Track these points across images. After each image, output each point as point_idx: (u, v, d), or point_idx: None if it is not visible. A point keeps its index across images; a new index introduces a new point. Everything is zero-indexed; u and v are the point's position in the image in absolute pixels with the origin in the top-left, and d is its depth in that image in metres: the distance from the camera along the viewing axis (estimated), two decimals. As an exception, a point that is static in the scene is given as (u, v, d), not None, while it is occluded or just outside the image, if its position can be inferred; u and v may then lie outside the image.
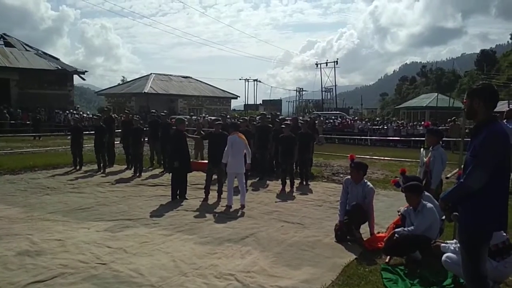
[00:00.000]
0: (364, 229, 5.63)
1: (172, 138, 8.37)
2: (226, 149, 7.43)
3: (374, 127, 26.61)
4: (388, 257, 4.78)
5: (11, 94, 29.32)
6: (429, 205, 4.70)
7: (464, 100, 3.17)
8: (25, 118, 25.84)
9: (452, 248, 3.94)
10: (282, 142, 9.29)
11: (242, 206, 7.36)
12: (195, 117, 29.79)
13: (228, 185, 7.50)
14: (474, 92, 3.04)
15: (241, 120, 10.57)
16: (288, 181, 9.18)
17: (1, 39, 33.26)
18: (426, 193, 5.15)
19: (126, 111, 14.47)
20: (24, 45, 33.09)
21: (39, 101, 28.55)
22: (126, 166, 11.93)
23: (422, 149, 6.38)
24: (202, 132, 12.24)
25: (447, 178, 5.41)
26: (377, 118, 33.26)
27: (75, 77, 33.70)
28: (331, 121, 28.94)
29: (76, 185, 9.36)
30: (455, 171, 5.39)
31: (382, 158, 15.36)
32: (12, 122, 25.40)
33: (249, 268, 4.50)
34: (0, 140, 19.82)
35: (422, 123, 22.36)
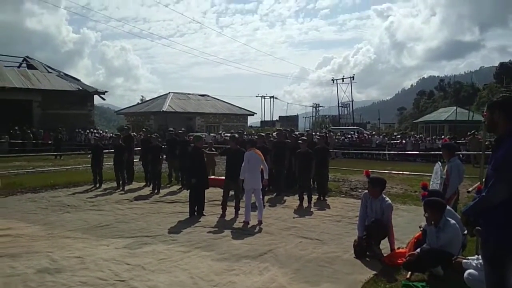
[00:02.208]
0: (384, 245, 5.54)
1: (190, 155, 8.43)
2: (243, 165, 7.45)
3: (392, 141, 26.34)
4: (409, 272, 4.68)
5: (33, 114, 30.02)
6: (452, 221, 4.61)
7: (484, 113, 3.13)
8: (46, 138, 26.37)
9: (474, 264, 3.84)
10: (299, 157, 9.28)
11: (260, 222, 7.33)
12: (209, 134, 30.05)
13: (246, 201, 7.49)
14: (495, 104, 3.00)
15: (257, 137, 10.59)
16: (305, 197, 9.12)
17: (24, 62, 34.25)
18: (448, 207, 5.06)
19: (144, 129, 14.67)
20: (46, 67, 33.99)
21: (60, 121, 29.14)
22: (144, 183, 12.03)
23: (438, 162, 6.36)
24: (213, 149, 12.33)
25: (468, 192, 5.32)
26: (395, 133, 32.87)
27: (96, 97, 34.40)
28: (349, 136, 28.73)
29: (96, 202, 9.47)
30: (476, 185, 5.28)
31: (401, 172, 15.15)
32: (34, 142, 25.95)
33: (267, 285, 4.46)
34: (23, 159, 20.27)
35: (443, 137, 22.01)
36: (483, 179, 3.29)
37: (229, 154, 8.17)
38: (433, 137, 26.48)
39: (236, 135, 10.33)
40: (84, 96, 32.70)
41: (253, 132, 34.72)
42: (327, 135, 11.10)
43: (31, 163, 18.41)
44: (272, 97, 62.12)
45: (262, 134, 12.01)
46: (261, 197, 7.74)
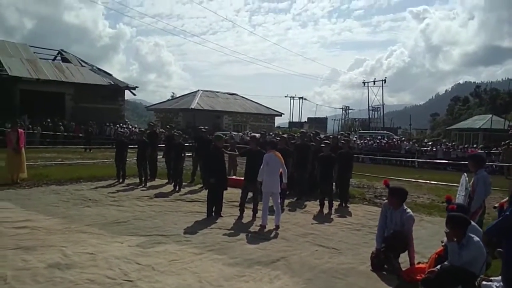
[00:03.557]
0: (404, 258, 5.29)
1: (210, 154, 8.36)
2: (261, 167, 7.32)
3: (422, 148, 25.62)
4: (428, 290, 4.43)
5: (66, 107, 30.81)
6: (476, 238, 4.31)
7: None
8: (77, 131, 27.01)
9: (495, 287, 3.58)
10: (321, 161, 9.06)
11: (277, 227, 7.18)
12: (238, 133, 30.07)
13: (263, 204, 7.36)
14: None
15: (278, 138, 10.42)
16: (326, 202, 8.90)
17: (59, 55, 35.21)
18: (473, 222, 4.78)
19: (168, 126, 14.74)
20: (80, 61, 34.82)
21: (92, 115, 29.81)
22: (167, 181, 12.07)
23: (464, 174, 6.06)
24: (235, 149, 12.24)
25: (494, 208, 5.02)
26: (425, 140, 32.00)
27: (128, 92, 35.05)
28: (377, 141, 28.15)
29: (117, 198, 9.54)
30: (505, 199, 4.97)
31: (429, 181, 14.68)
32: (65, 134, 26.61)
33: (276, 295, 4.31)
34: (53, 151, 20.80)
35: (471, 147, 21.23)
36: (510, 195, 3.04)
37: (249, 155, 8.05)
38: (466, 146, 25.64)
39: (257, 135, 10.19)
40: (115, 90, 33.31)
41: (280, 133, 34.64)
42: (343, 140, 10.81)
43: (61, 155, 18.85)
44: (301, 98, 61.64)
45: (284, 135, 11.83)
46: (279, 201, 7.58)
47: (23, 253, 5.23)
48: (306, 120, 63.76)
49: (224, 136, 10.17)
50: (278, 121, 56.83)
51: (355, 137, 30.99)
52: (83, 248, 5.58)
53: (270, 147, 7.69)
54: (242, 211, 7.85)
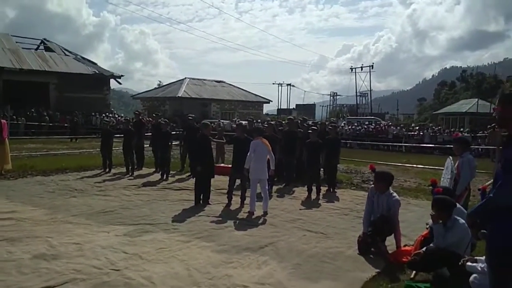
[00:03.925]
0: (390, 241, 5.33)
1: (197, 142, 8.30)
2: (248, 154, 7.29)
3: (409, 133, 25.82)
4: (414, 272, 4.48)
5: (50, 97, 30.38)
6: (461, 220, 4.36)
7: (495, 107, 2.89)
8: (62, 121, 26.67)
9: (479, 268, 3.62)
10: (308, 147, 9.07)
11: (265, 213, 7.19)
12: (224, 121, 29.99)
13: (251, 191, 7.35)
14: (507, 98, 2.76)
15: (266, 125, 10.39)
16: (314, 188, 8.93)
17: (42, 44, 34.62)
18: (458, 205, 4.83)
19: (154, 114, 14.60)
20: (64, 50, 34.27)
21: (77, 104, 29.44)
22: (154, 169, 11.99)
23: (449, 157, 6.11)
24: (223, 137, 12.19)
25: (479, 189, 5.06)
26: (412, 124, 32.27)
27: (114, 82, 34.62)
28: (365, 126, 28.30)
29: (103, 187, 9.45)
30: (489, 182, 5.02)
31: (416, 165, 14.82)
32: (50, 124, 26.25)
33: (264, 280, 4.31)
34: (38, 141, 20.52)
35: (456, 130, 21.46)
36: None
37: (236, 143, 8.01)
38: (452, 130, 25.89)
39: (243, 123, 10.15)
40: (100, 79, 32.91)
41: (269, 120, 34.64)
42: (329, 127, 10.83)
43: (46, 146, 18.61)
44: (289, 84, 61.55)
45: (272, 122, 11.80)
46: (267, 187, 7.58)
47: (8, 244, 5.14)
48: (295, 107, 63.76)
49: (211, 124, 10.12)
50: (267, 108, 56.81)
51: (344, 123, 31.10)
52: (69, 238, 5.51)
53: (257, 134, 7.68)
54: (230, 198, 7.84)
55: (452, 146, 6.89)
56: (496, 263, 2.69)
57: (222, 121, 30.14)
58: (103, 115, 29.92)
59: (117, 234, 5.81)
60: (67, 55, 33.57)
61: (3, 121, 11.10)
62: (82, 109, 29.21)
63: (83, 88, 31.24)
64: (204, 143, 8.11)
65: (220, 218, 6.93)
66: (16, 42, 31.99)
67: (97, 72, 32.81)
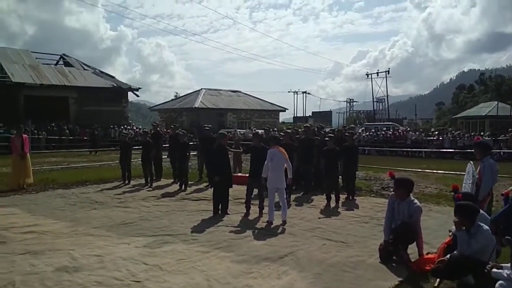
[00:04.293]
0: (412, 249, 5.23)
1: (214, 152, 8.33)
2: (265, 163, 7.28)
3: (428, 138, 25.45)
4: (438, 280, 4.37)
5: (70, 111, 30.98)
6: (485, 227, 4.24)
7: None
8: (82, 134, 27.12)
9: (505, 275, 3.52)
10: (326, 155, 9.01)
11: (284, 222, 7.15)
12: (240, 131, 30.08)
13: (269, 200, 7.33)
14: None
15: (283, 133, 10.37)
16: (333, 196, 8.86)
17: (61, 59, 35.39)
18: (481, 211, 4.72)
19: (172, 125, 14.74)
20: (82, 65, 34.96)
21: (96, 117, 29.96)
22: (173, 180, 12.06)
23: (470, 162, 5.98)
24: (240, 146, 12.22)
25: (502, 195, 4.92)
26: (432, 129, 31.81)
27: (132, 94, 35.12)
28: (383, 132, 27.99)
29: (123, 199, 9.54)
30: (511, 187, 4.90)
31: (436, 171, 14.58)
32: (71, 138, 26.73)
33: (284, 290, 4.28)
34: (59, 155, 20.89)
35: (477, 134, 21.05)
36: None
37: (253, 152, 8.01)
38: (472, 134, 25.41)
39: (260, 131, 10.16)
40: (118, 92, 33.43)
41: (285, 128, 34.60)
42: (347, 133, 10.75)
43: (67, 159, 18.94)
44: (305, 92, 61.43)
45: (288, 130, 11.79)
46: (285, 196, 7.55)
47: (31, 257, 5.23)
48: (311, 115, 63.46)
49: (228, 134, 10.15)
50: (283, 117, 56.75)
51: (362, 129, 30.82)
52: (90, 250, 5.57)
53: (273, 142, 7.67)
54: (248, 208, 7.83)
55: (473, 150, 6.73)
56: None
57: (238, 130, 30.22)
58: (122, 127, 30.33)
59: (137, 246, 5.85)
60: (86, 70, 34.24)
61: (25, 136, 11.36)
62: (101, 122, 29.70)
63: (101, 102, 31.79)
64: (221, 152, 8.13)
65: (239, 228, 6.92)
66: (36, 58, 32.78)
67: (115, 85, 33.35)
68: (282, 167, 7.35)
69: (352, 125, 30.31)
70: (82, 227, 6.89)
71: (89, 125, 28.13)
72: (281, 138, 8.95)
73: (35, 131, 24.83)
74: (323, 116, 62.52)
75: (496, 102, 38.58)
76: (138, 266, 4.97)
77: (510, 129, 20.92)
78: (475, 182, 5.52)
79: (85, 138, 26.68)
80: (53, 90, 29.41)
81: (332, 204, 8.78)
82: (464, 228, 4.34)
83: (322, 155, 9.31)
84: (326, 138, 9.35)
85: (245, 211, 7.80)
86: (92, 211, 8.30)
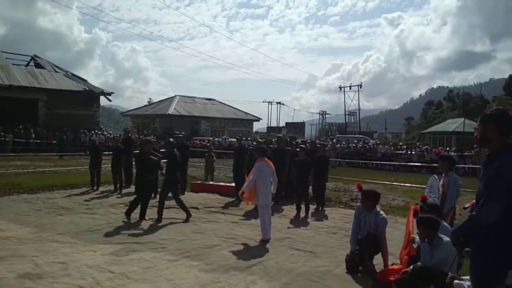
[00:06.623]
0: (378, 260, 5.35)
1: (138, 160, 8.53)
2: (252, 177, 6.73)
3: (397, 151, 26.06)
4: (401, 291, 4.48)
5: (39, 114, 30.17)
6: (446, 239, 4.39)
7: (477, 127, 2.96)
8: (50, 138, 26.43)
9: (466, 286, 3.64)
10: (297, 165, 9.11)
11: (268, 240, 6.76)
12: (238, 138, 30.01)
13: (267, 217, 6.84)
14: (487, 117, 2.83)
15: (276, 139, 10.46)
16: (303, 206, 8.94)
17: (32, 61, 34.52)
18: (444, 223, 4.88)
19: (144, 132, 14.58)
20: (54, 67, 34.20)
21: (66, 121, 29.28)
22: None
23: (434, 175, 6.16)
24: (213, 154, 12.22)
25: (464, 208, 5.10)
26: (400, 143, 32.58)
27: (104, 98, 34.53)
28: (353, 145, 28.50)
29: (91, 205, 9.35)
30: (473, 201, 5.08)
31: (404, 184, 14.92)
32: (38, 141, 26.01)
33: (252, 299, 4.29)
34: (25, 159, 20.28)
35: (438, 149, 21.71)
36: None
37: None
38: (439, 148, 26.14)
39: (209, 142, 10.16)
40: (90, 96, 32.83)
41: (259, 138, 34.69)
42: (318, 145, 10.93)
43: (33, 163, 18.40)
44: (279, 103, 61.98)
45: (260, 140, 11.85)
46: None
47: (-8, 264, 5.06)
48: (284, 125, 63.96)
49: (206, 142, 10.15)
50: (256, 126, 56.98)
51: (334, 141, 31.27)
52: (54, 257, 5.43)
53: (259, 154, 7.02)
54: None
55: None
56: (481, 281, 2.73)
57: (216, 139, 30.08)
58: (92, 132, 29.75)
59: (103, 253, 5.74)
60: (57, 72, 33.51)
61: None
62: (71, 126, 29.05)
63: (72, 105, 31.13)
64: (143, 160, 8.13)
65: (208, 237, 6.89)
66: (6, 58, 31.86)
67: (87, 89, 32.74)
68: (270, 181, 6.85)
69: (324, 137, 30.68)
70: (47, 233, 6.71)
71: (58, 128, 27.46)
72: (267, 149, 8.40)
73: (2, 133, 24.06)
74: (297, 127, 63.12)
75: (463, 119, 39.84)
76: (103, 274, 4.88)
77: (475, 145, 21.63)
78: (440, 196, 5.67)
79: (53, 142, 26.00)
80: (23, 92, 28.61)
81: (302, 215, 8.86)
82: (426, 240, 4.48)
83: (293, 166, 9.39)
84: (298, 149, 9.46)
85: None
86: (58, 217, 8.10)
